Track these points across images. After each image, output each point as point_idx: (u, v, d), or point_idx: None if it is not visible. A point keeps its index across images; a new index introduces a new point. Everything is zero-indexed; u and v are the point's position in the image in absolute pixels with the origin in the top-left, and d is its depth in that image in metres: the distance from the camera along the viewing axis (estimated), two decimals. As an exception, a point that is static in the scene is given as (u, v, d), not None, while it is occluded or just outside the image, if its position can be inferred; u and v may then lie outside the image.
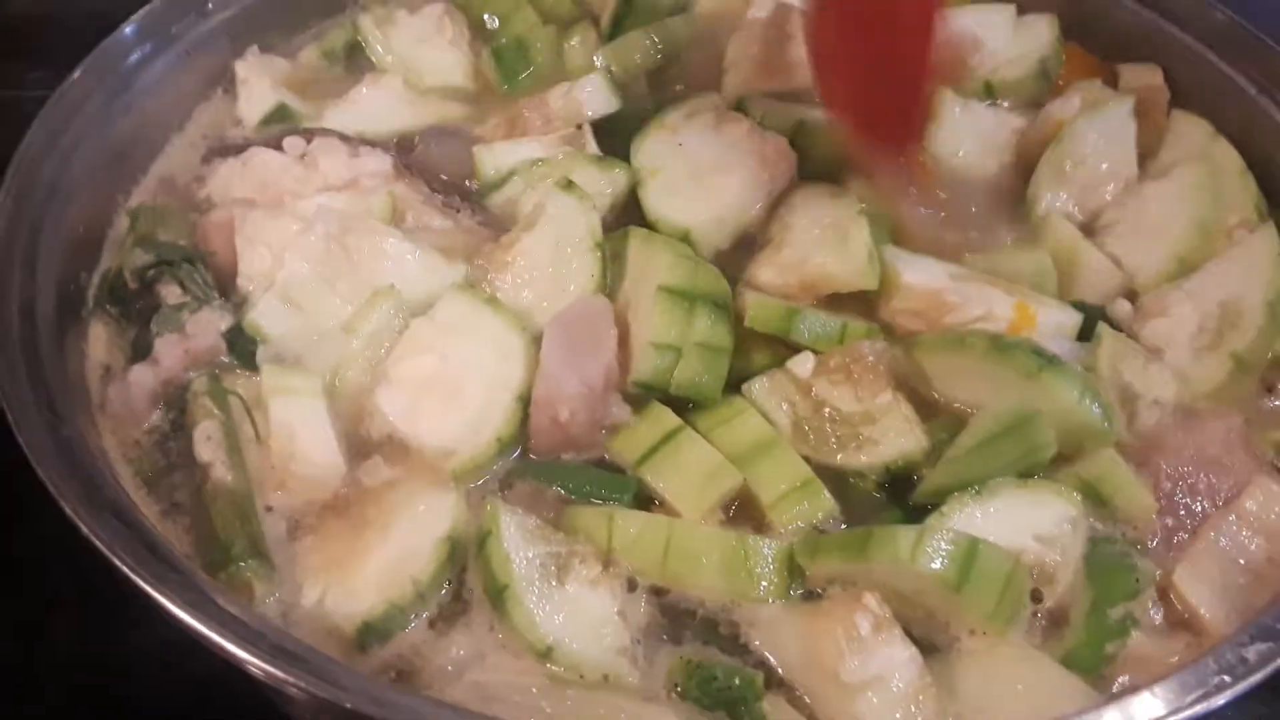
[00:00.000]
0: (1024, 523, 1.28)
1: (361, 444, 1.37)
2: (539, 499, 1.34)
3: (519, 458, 1.38)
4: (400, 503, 1.27)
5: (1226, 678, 1.11)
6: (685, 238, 1.55)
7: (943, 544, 1.19)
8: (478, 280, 1.49)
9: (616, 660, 1.19)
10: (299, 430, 1.33)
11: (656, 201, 1.59)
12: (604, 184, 1.60)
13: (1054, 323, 1.47)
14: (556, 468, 1.36)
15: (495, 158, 1.64)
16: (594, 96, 1.71)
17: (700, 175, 1.61)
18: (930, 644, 1.23)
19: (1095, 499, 1.33)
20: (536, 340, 1.41)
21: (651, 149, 1.64)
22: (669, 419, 1.37)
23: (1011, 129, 1.75)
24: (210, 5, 1.77)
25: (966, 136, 1.73)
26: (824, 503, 1.32)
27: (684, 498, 1.32)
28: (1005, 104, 1.81)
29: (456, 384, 1.38)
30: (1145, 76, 1.80)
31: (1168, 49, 1.83)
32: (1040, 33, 1.84)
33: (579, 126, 1.69)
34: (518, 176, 1.61)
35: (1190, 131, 1.73)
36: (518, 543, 1.22)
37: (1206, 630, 1.26)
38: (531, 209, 1.52)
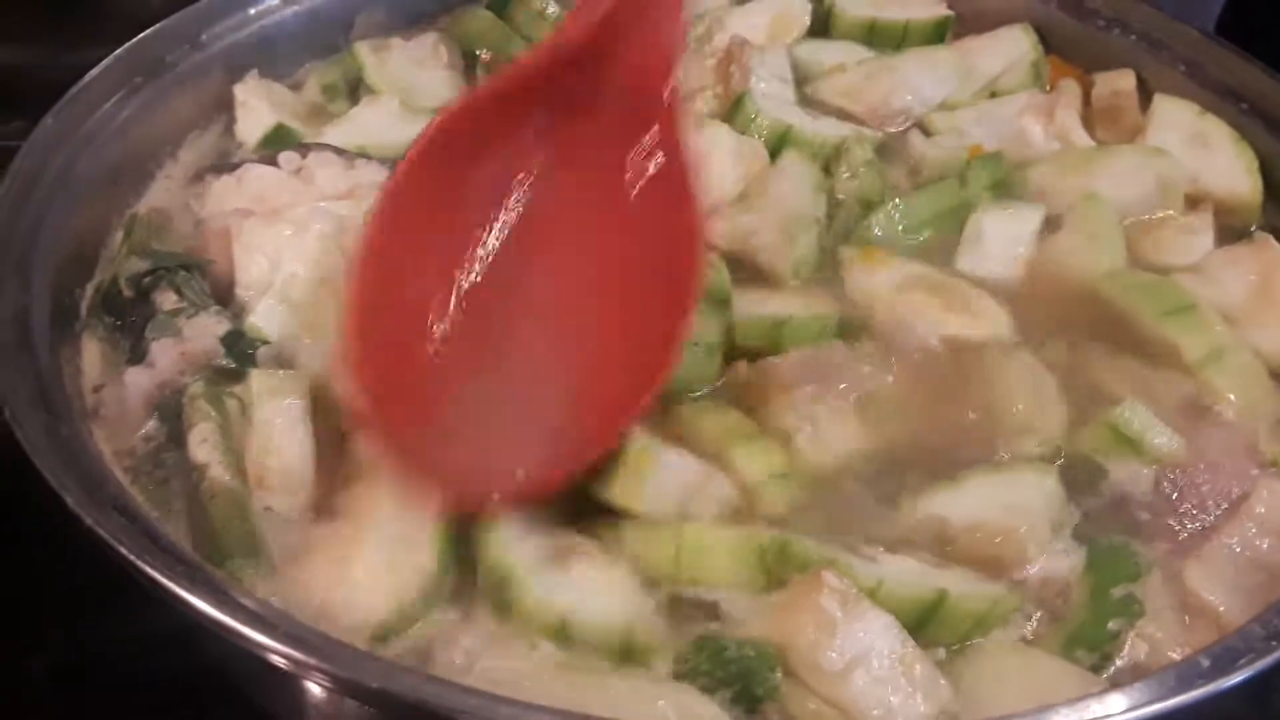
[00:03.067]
0: (992, 497, 1.29)
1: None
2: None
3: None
4: (386, 488, 1.25)
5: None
6: None
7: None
8: None
9: (638, 616, 1.17)
10: (275, 426, 1.31)
11: None
12: None
13: None
14: None
15: None
16: None
17: None
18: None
19: (1124, 444, 1.34)
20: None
21: None
22: None
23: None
24: (204, 37, 1.78)
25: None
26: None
27: (624, 493, 1.27)
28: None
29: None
30: (1117, 81, 1.87)
31: (1142, 67, 1.89)
32: (1019, 39, 1.92)
33: None
34: None
35: (1178, 112, 1.78)
36: (518, 530, 1.21)
37: (1224, 627, 1.22)
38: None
